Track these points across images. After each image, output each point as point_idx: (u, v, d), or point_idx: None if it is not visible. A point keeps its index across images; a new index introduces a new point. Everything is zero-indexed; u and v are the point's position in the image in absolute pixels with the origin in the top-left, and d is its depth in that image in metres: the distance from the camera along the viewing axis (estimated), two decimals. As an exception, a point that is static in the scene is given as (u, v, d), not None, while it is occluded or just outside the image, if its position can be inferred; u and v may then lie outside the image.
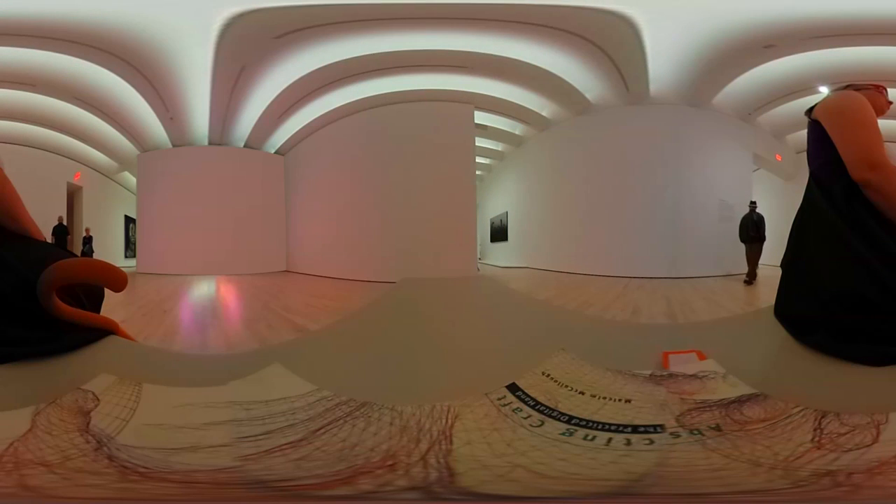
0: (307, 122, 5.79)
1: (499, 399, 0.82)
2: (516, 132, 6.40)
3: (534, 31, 4.30)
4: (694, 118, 5.00)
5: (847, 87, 1.22)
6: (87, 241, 5.66)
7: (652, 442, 0.69)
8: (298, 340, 2.40)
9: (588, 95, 5.22)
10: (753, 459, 0.64)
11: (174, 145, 5.68)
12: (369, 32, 4.29)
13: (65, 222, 5.55)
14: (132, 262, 5.87)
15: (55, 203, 5.53)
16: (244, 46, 4.34)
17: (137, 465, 0.68)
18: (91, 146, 5.82)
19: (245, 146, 5.90)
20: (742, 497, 0.60)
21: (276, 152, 6.20)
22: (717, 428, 0.71)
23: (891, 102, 1.27)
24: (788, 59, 4.26)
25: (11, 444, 0.70)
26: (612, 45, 4.40)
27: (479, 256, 6.91)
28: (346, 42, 4.42)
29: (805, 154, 1.21)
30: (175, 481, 0.66)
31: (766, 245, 4.89)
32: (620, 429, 0.73)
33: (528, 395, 0.83)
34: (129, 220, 6.46)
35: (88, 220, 5.92)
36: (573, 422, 0.75)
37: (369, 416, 0.78)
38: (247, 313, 3.61)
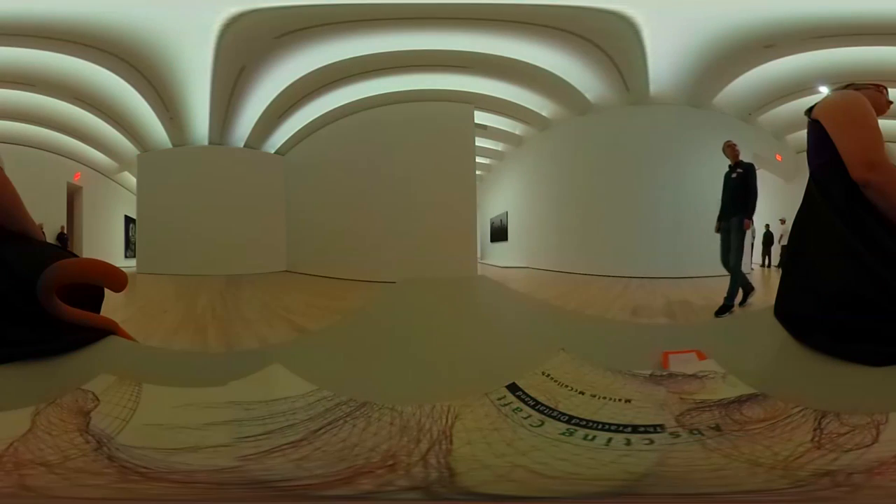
0: (307, 122, 5.79)
1: (499, 399, 0.82)
2: (516, 132, 6.40)
3: (534, 31, 4.30)
4: (694, 118, 5.00)
5: (847, 86, 1.22)
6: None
7: (652, 442, 0.69)
8: (298, 340, 2.40)
9: (588, 95, 5.22)
10: (753, 459, 0.64)
11: (174, 145, 5.68)
12: (369, 32, 4.29)
13: (65, 230, 5.55)
14: (132, 262, 5.87)
15: (55, 203, 5.53)
16: (244, 46, 4.34)
17: (137, 466, 0.68)
18: (91, 146, 5.82)
19: (245, 146, 5.90)
20: (742, 497, 0.60)
21: (276, 152, 6.20)
22: (717, 428, 0.71)
23: (891, 102, 1.27)
24: (788, 59, 4.26)
25: (11, 444, 0.70)
26: (612, 45, 4.40)
27: (479, 256, 6.92)
28: (346, 42, 4.43)
29: (805, 154, 1.21)
30: (175, 481, 0.66)
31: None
32: (620, 429, 0.73)
33: (528, 395, 0.83)
34: (129, 220, 6.46)
35: (88, 220, 5.92)
36: (573, 422, 0.75)
37: (369, 416, 0.78)
38: (247, 313, 3.61)
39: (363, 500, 0.63)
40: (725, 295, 3.54)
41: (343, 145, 5.77)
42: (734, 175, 3.80)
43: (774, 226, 6.54)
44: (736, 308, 3.53)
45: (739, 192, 3.70)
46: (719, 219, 3.81)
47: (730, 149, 3.87)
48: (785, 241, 6.56)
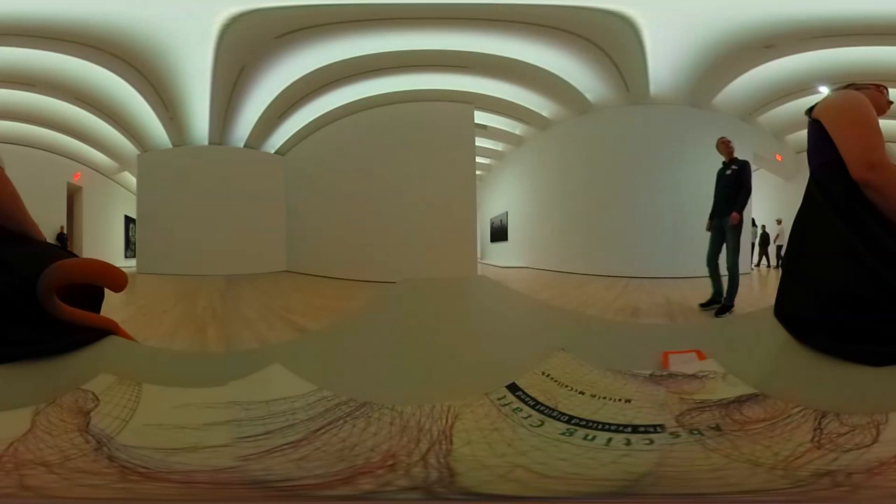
0: (307, 122, 5.80)
1: (499, 399, 0.82)
2: (516, 132, 6.41)
3: (534, 31, 4.30)
4: (694, 118, 5.00)
5: (847, 86, 1.22)
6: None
7: (652, 442, 0.69)
8: (298, 340, 2.40)
9: (588, 95, 5.22)
10: (753, 459, 0.64)
11: (174, 145, 5.68)
12: (369, 32, 4.29)
13: (65, 230, 5.56)
14: (132, 262, 5.87)
15: (55, 203, 5.53)
16: (244, 46, 4.34)
17: (137, 465, 0.68)
18: (91, 146, 5.82)
19: (245, 146, 5.90)
20: (742, 497, 0.60)
21: (276, 152, 6.20)
22: (717, 428, 0.71)
23: (892, 102, 1.27)
24: (788, 59, 4.26)
25: (11, 444, 0.70)
26: (612, 45, 4.41)
27: (479, 256, 6.92)
28: (346, 42, 4.43)
29: (805, 154, 1.21)
30: (175, 481, 0.66)
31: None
32: (620, 429, 0.73)
33: (528, 395, 0.83)
34: (129, 220, 6.46)
35: (88, 220, 5.92)
36: (573, 422, 0.75)
37: (369, 416, 0.78)
38: (247, 313, 3.61)
39: (363, 500, 0.63)
40: (724, 295, 3.51)
41: (343, 145, 5.77)
42: (728, 172, 3.71)
43: (770, 226, 6.55)
44: (725, 308, 3.48)
45: (734, 189, 3.63)
46: (711, 216, 3.73)
47: (724, 145, 3.78)
48: (781, 242, 6.60)
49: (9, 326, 1.00)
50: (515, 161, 6.86)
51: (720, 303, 3.52)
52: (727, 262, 3.58)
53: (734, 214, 3.55)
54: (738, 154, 3.82)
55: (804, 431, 0.68)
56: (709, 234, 3.75)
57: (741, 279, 3.54)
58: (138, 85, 4.77)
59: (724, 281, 3.56)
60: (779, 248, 6.66)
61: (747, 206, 3.67)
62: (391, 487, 0.63)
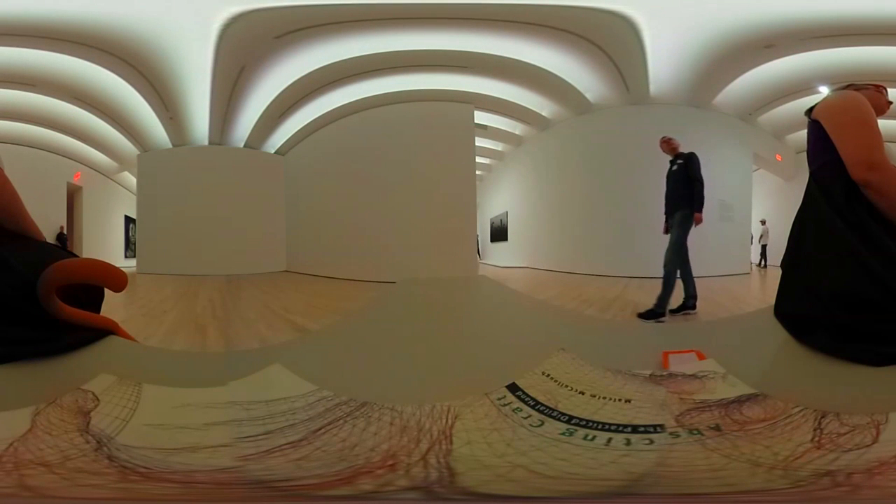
0: (307, 122, 5.80)
1: (499, 399, 0.82)
2: (516, 132, 6.41)
3: (534, 31, 4.30)
4: (694, 118, 5.00)
5: (847, 86, 1.22)
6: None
7: (652, 442, 0.69)
8: (298, 340, 2.41)
9: (588, 95, 5.22)
10: (753, 459, 0.64)
11: (174, 145, 5.68)
12: (369, 32, 4.29)
13: (65, 230, 5.56)
14: (132, 262, 5.87)
15: (55, 203, 5.53)
16: (244, 46, 4.34)
17: (137, 466, 0.67)
18: (91, 146, 5.82)
19: (245, 146, 5.90)
20: (742, 497, 0.60)
21: (276, 152, 6.20)
22: (717, 428, 0.71)
23: (891, 102, 1.27)
24: (788, 59, 4.27)
25: (11, 444, 0.70)
26: (612, 45, 4.41)
27: (479, 256, 6.92)
28: (346, 42, 4.43)
29: (805, 154, 1.21)
30: (175, 481, 0.66)
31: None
32: (620, 429, 0.73)
33: (528, 395, 0.83)
34: (129, 220, 6.46)
35: (88, 220, 5.92)
36: (573, 422, 0.75)
37: (369, 416, 0.78)
38: (247, 313, 3.61)
39: (363, 500, 0.63)
40: (688, 297, 3.28)
41: (343, 145, 5.77)
42: (675, 168, 3.56)
43: (755, 226, 6.56)
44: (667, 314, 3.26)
45: (681, 184, 3.46)
46: (666, 218, 3.52)
47: (666, 144, 3.66)
48: (765, 241, 6.63)
49: (9, 326, 1.00)
50: (515, 161, 6.86)
51: (693, 307, 3.34)
52: (664, 261, 3.35)
53: (697, 215, 3.34)
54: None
55: (804, 431, 0.68)
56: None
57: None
58: (138, 85, 4.77)
59: (701, 282, 3.36)
60: (763, 247, 6.71)
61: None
62: (391, 487, 0.63)
